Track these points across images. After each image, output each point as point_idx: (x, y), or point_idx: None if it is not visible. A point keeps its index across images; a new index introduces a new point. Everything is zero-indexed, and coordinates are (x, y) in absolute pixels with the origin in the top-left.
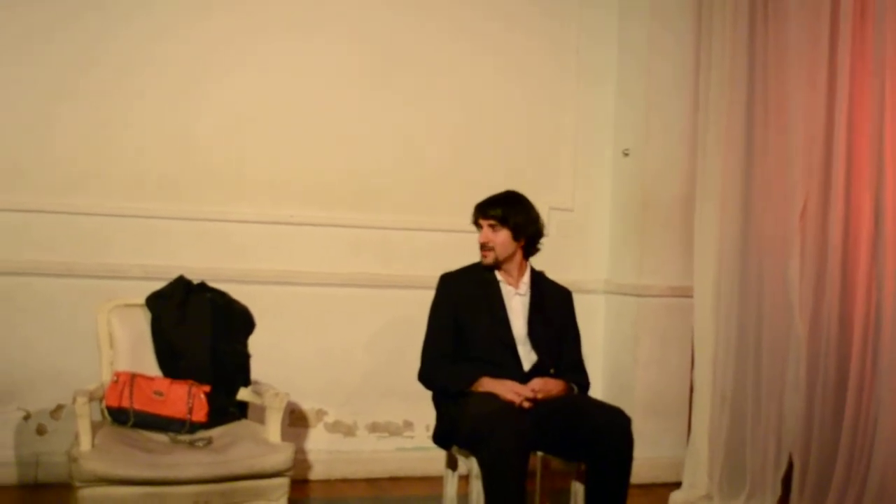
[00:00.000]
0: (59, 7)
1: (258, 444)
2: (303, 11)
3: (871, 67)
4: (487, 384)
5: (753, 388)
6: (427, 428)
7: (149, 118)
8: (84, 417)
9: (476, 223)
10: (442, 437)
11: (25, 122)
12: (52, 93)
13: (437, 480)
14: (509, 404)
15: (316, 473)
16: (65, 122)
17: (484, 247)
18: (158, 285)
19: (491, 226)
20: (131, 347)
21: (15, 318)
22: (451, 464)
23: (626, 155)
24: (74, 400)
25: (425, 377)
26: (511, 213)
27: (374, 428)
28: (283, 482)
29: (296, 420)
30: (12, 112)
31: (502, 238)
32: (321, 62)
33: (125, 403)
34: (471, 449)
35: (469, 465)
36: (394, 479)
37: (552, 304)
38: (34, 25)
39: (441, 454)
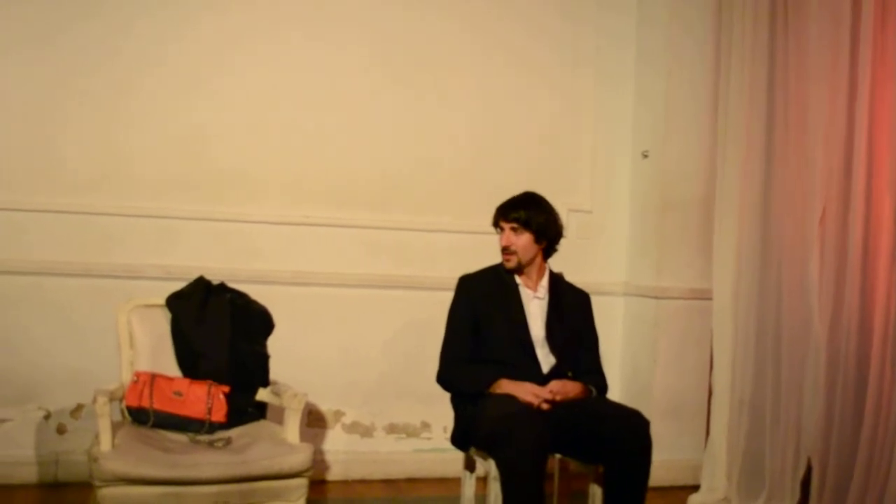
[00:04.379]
0: (72, 7)
1: (277, 444)
2: (321, 11)
3: (892, 72)
4: (506, 386)
5: (772, 391)
6: (445, 429)
7: (165, 118)
8: (104, 417)
9: (497, 225)
10: (460, 438)
11: (41, 123)
12: (67, 92)
13: (454, 482)
14: (528, 406)
15: (334, 474)
16: (81, 121)
17: (506, 250)
18: (178, 285)
19: (513, 228)
20: (151, 347)
21: (34, 318)
22: (469, 465)
23: (646, 157)
24: (95, 400)
25: (443, 378)
26: (533, 216)
27: (391, 429)
28: (302, 483)
29: (314, 421)
30: (28, 112)
31: (524, 241)
32: (339, 63)
33: (145, 403)
34: (489, 450)
35: (487, 466)
36: (411, 481)
37: (570, 308)
38: (47, 26)
39: (459, 455)
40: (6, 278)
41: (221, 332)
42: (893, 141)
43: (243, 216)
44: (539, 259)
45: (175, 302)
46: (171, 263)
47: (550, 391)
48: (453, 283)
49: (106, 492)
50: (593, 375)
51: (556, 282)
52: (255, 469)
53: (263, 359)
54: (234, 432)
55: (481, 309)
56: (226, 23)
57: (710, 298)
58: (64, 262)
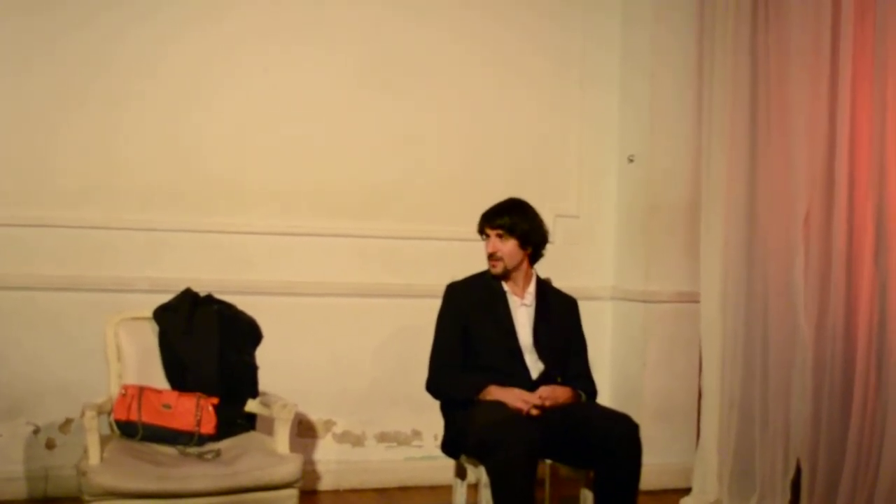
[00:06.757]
0: (61, 22)
1: (267, 455)
2: (307, 20)
3: (873, 71)
4: (495, 392)
5: (761, 392)
6: (435, 437)
7: (153, 130)
8: (93, 431)
9: (482, 232)
10: (450, 445)
11: (29, 136)
12: (55, 106)
13: (446, 489)
14: (517, 412)
15: (325, 484)
16: (68, 134)
17: (492, 256)
18: (165, 298)
19: (499, 235)
20: (139, 360)
21: (22, 332)
22: (460, 473)
23: (631, 161)
24: (83, 414)
25: (433, 386)
26: (518, 222)
27: (382, 437)
28: (293, 493)
29: (304, 431)
30: (16, 126)
31: (510, 247)
32: (327, 72)
33: (133, 417)
34: (479, 457)
35: (478, 473)
36: (403, 489)
37: (557, 314)
38: (36, 39)
39: (450, 463)
40: None
41: (209, 344)
42: (875, 141)
43: (232, 227)
44: (525, 265)
45: (162, 314)
46: (161, 276)
47: (540, 397)
48: (442, 290)
49: None
50: (582, 380)
51: (544, 288)
52: (246, 481)
53: (252, 370)
54: (223, 444)
55: (469, 316)
56: (215, 34)
57: (697, 301)
58: (54, 276)
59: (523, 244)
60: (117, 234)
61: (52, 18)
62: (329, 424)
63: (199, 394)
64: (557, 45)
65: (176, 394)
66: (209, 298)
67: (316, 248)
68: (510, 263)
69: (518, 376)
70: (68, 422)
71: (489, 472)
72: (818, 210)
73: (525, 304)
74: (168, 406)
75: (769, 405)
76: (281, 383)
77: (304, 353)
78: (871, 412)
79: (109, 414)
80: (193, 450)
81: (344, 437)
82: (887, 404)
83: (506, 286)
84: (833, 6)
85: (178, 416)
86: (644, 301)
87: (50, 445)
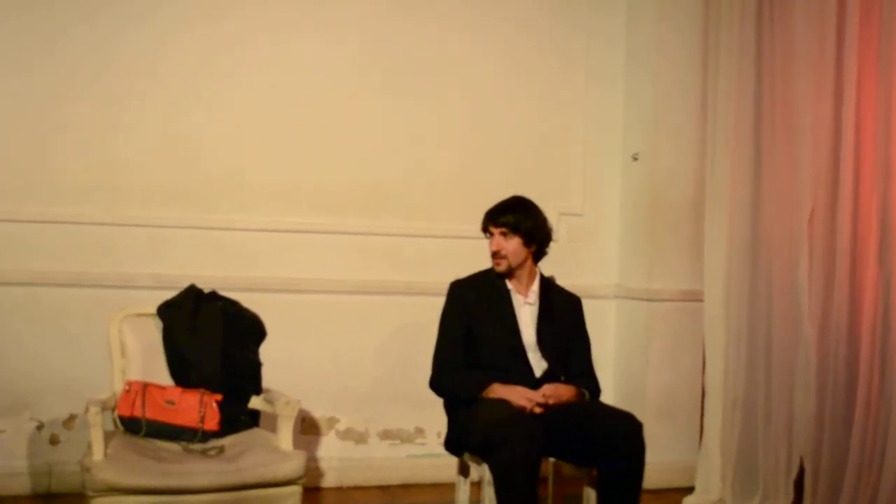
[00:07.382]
0: (63, 20)
1: (270, 452)
2: (310, 18)
3: (878, 70)
4: (498, 390)
5: (764, 391)
6: (439, 434)
7: (157, 127)
8: (97, 427)
9: (486, 231)
10: (453, 443)
11: (30, 134)
12: (58, 103)
13: (449, 487)
14: (521, 410)
15: (328, 481)
16: (72, 131)
17: (496, 255)
18: (169, 294)
19: (503, 233)
20: (143, 357)
21: (26, 328)
22: (463, 470)
23: (636, 159)
24: (87, 409)
25: (436, 384)
26: (522, 220)
27: (385, 435)
28: (296, 490)
29: (307, 428)
30: (17, 124)
31: (514, 245)
32: (330, 70)
33: (137, 413)
34: (483, 455)
35: (481, 471)
36: (406, 486)
37: (561, 312)
38: (38, 37)
39: (453, 461)
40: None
41: (213, 341)
42: (880, 139)
43: (235, 224)
44: (529, 263)
45: (166, 311)
46: (163, 272)
47: (543, 395)
48: (445, 288)
49: (99, 502)
50: (586, 378)
51: (547, 286)
52: (249, 477)
53: (255, 366)
54: (227, 441)
55: (473, 314)
56: (217, 31)
57: (701, 300)
58: (57, 272)
59: (527, 242)
60: (120, 231)
61: (52, 17)
62: (332, 422)
63: (202, 390)
64: (561, 43)
65: (180, 390)
66: (213, 295)
67: (318, 246)
68: (514, 261)
69: (521, 374)
70: (72, 418)
71: (492, 470)
72: (823, 209)
73: (529, 303)
74: (172, 402)
75: (772, 404)
76: (284, 380)
77: (306, 350)
78: (874, 411)
79: (113, 410)
80: (197, 446)
81: (347, 435)
82: (891, 403)
83: (509, 284)
84: (838, 4)
85: (182, 412)
86: (647, 299)
87: (53, 441)
